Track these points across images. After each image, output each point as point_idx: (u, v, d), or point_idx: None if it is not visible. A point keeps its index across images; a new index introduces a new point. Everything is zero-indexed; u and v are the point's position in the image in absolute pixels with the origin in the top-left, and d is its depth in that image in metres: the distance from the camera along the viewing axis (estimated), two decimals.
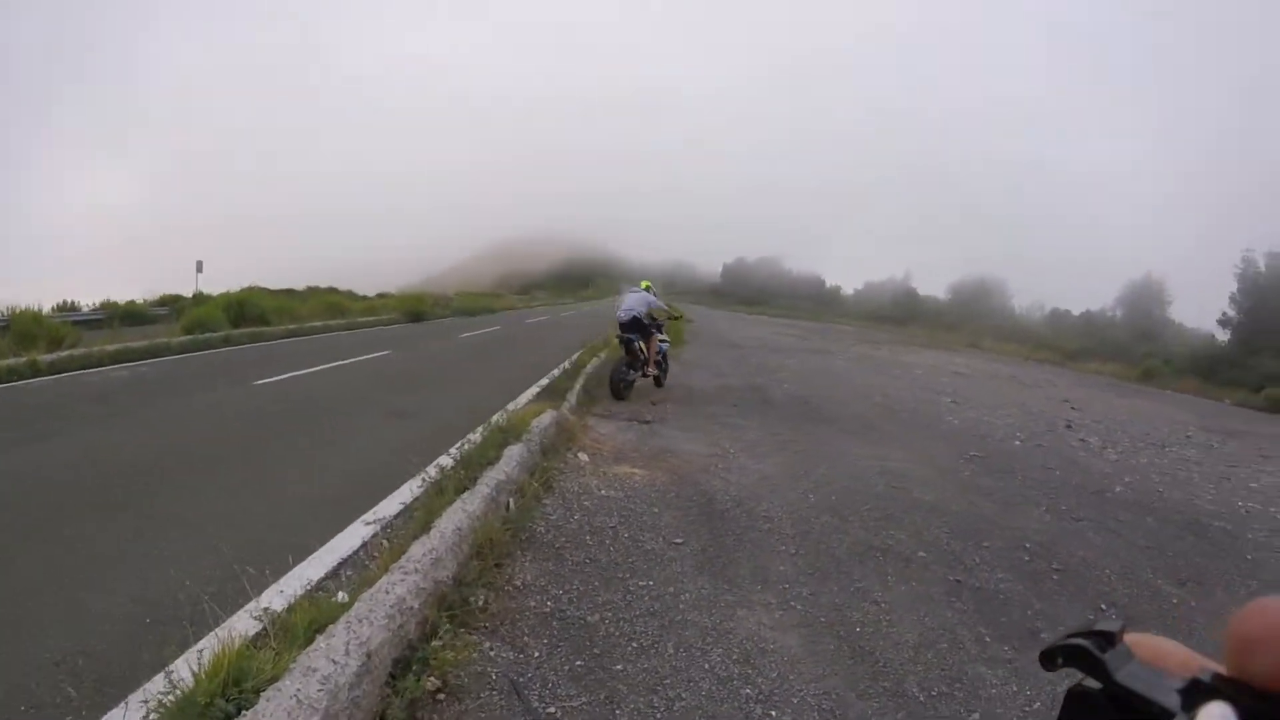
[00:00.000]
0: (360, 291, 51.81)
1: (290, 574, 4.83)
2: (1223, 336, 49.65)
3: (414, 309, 34.63)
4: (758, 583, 5.36)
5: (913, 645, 4.70)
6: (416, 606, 3.98)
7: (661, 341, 14.16)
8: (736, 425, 11.42)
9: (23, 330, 16.41)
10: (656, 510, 6.74)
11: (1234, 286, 48.32)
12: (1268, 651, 0.44)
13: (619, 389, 12.89)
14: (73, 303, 28.58)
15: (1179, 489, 10.74)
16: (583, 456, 8.27)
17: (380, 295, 48.96)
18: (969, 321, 77.81)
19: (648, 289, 14.30)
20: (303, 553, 5.24)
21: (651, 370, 13.82)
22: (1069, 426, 15.95)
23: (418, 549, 4.47)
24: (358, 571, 4.96)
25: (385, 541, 5.25)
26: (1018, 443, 12.96)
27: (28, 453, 7.71)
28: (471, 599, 4.47)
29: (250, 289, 31.24)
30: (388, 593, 3.89)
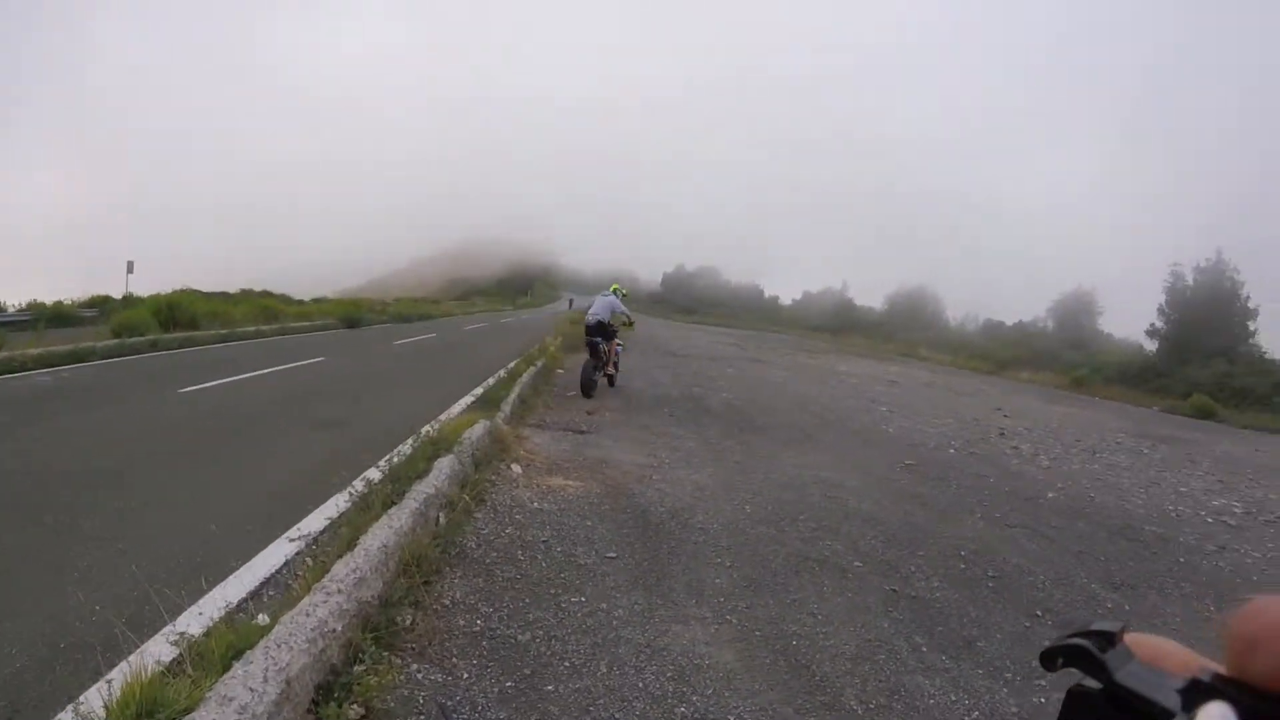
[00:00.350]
0: (297, 296, 51.19)
1: (209, 595, 4.63)
2: (1151, 346, 51.18)
3: (350, 315, 34.15)
4: (693, 596, 5.28)
5: (850, 657, 4.66)
6: (340, 629, 3.82)
7: (619, 344, 15.77)
8: (673, 435, 11.38)
9: None
10: (590, 523, 6.64)
11: (1162, 299, 49.97)
12: (1268, 651, 0.44)
13: (588, 388, 14.22)
14: None
15: (1110, 494, 10.93)
16: (516, 468, 8.13)
17: (316, 300, 48.39)
18: (905, 332, 79.01)
19: (616, 291, 15.77)
20: (223, 572, 5.04)
21: (609, 370, 15.54)
22: (1002, 434, 16.20)
23: (341, 568, 4.30)
24: (280, 591, 4.77)
25: (309, 559, 5.07)
26: (952, 450, 13.10)
27: None
28: (398, 619, 4.33)
29: (182, 291, 30.67)
30: (309, 615, 3.73)
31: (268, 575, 5.12)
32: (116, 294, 31.99)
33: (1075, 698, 0.51)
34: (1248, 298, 47.73)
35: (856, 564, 6.39)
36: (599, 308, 15.11)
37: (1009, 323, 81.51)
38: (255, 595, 4.80)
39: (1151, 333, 50.83)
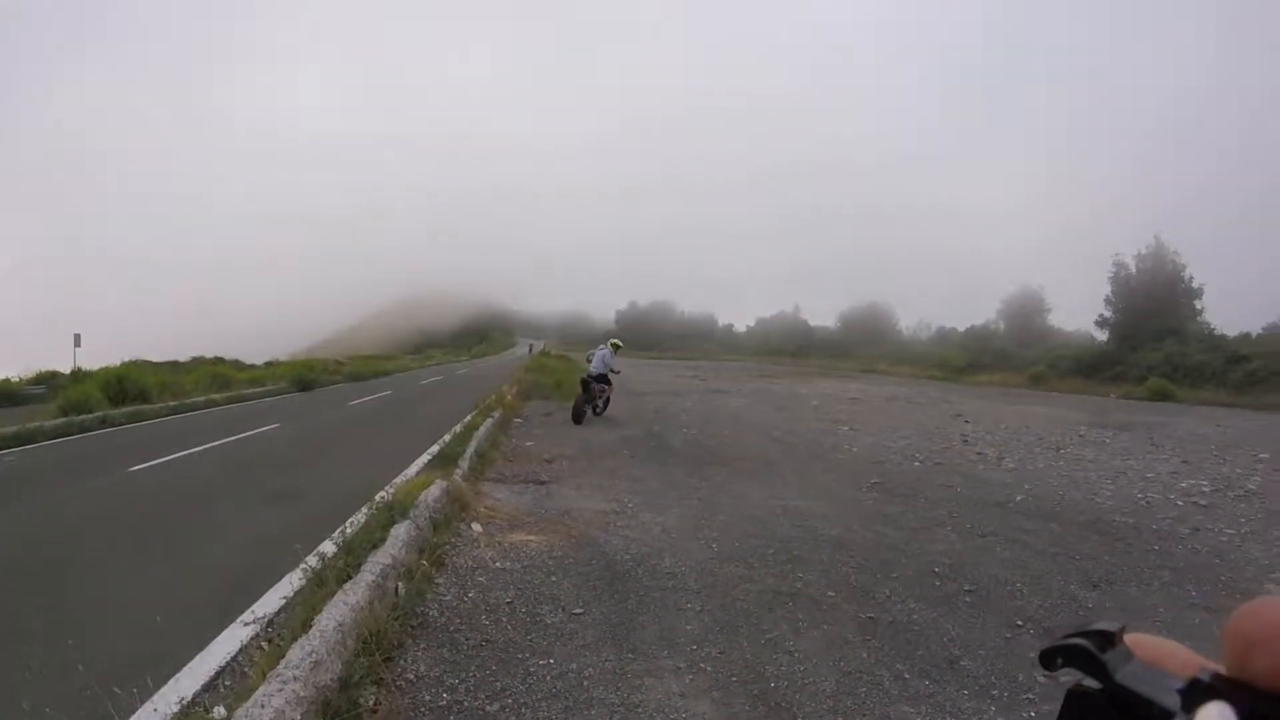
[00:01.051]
0: (249, 360, 50.83)
1: (162, 691, 4.43)
2: (1102, 336, 52.25)
3: (303, 377, 34.06)
4: (665, 647, 5.14)
5: (831, 694, 4.54)
6: (298, 718, 3.65)
7: (609, 390, 20.27)
8: (635, 477, 11.28)
9: None
10: (555, 579, 6.48)
11: (1108, 290, 51.16)
12: (1268, 651, 0.44)
13: (579, 417, 18.29)
14: None
15: (1078, 489, 10.99)
16: (476, 527, 7.95)
17: (268, 364, 48.09)
18: (861, 348, 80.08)
19: (614, 346, 20.69)
20: (176, 665, 4.83)
21: (598, 405, 19.71)
22: (965, 440, 16.29)
23: (296, 652, 4.12)
24: (237, 681, 4.58)
25: (264, 644, 4.89)
26: (917, 464, 13.11)
27: None
28: (360, 699, 4.14)
29: (131, 363, 30.20)
30: (264, 706, 3.55)
31: (223, 664, 4.91)
32: (64, 367, 31.50)
33: (1075, 698, 0.51)
34: (1191, 278, 49.07)
35: (830, 594, 6.29)
36: (597, 363, 19.77)
37: (961, 328, 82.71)
38: (211, 686, 4.60)
39: (1101, 323, 52.34)
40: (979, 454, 14.43)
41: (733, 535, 8.07)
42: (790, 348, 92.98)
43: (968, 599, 6.33)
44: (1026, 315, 70.54)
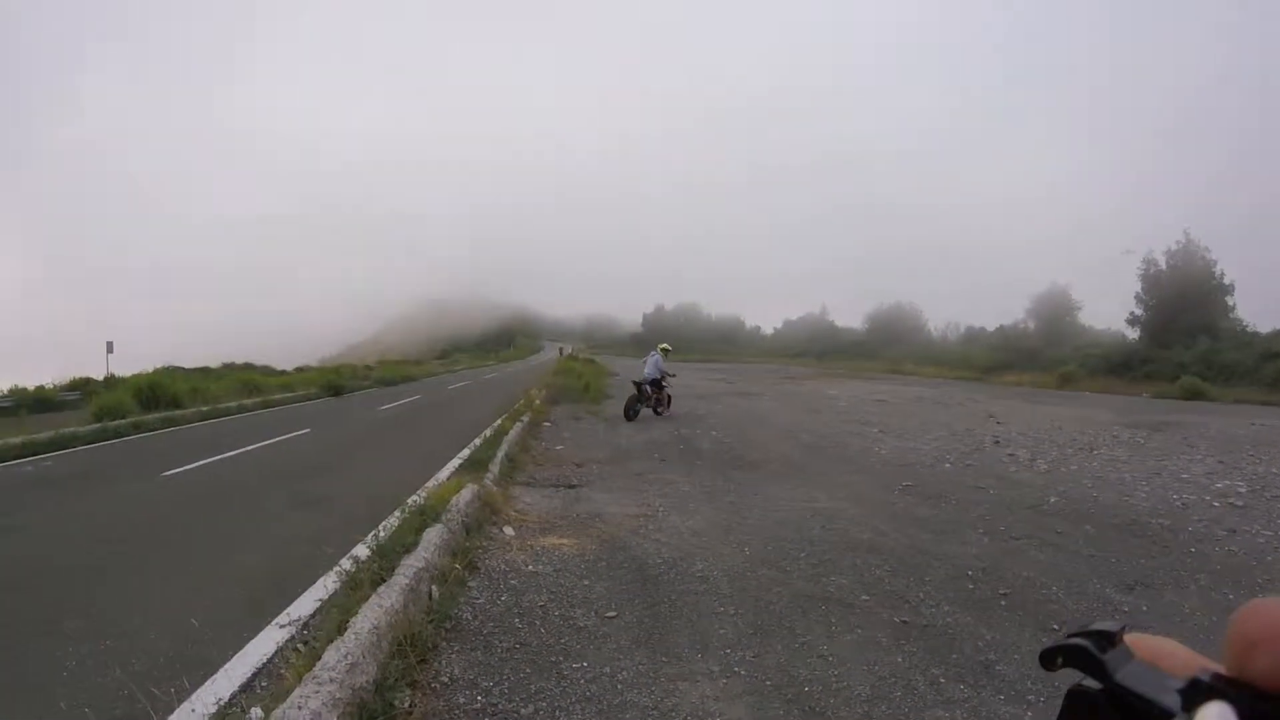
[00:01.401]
0: (279, 366, 51.21)
1: (199, 692, 4.48)
2: (1133, 334, 51.67)
3: (333, 382, 34.40)
4: (698, 650, 5.13)
5: (865, 698, 4.51)
6: None
7: (668, 391, 21.77)
8: (665, 481, 11.26)
9: None
10: (587, 582, 6.49)
11: (1138, 287, 50.59)
12: (1268, 651, 0.44)
13: (629, 415, 19.98)
14: None
15: (1112, 491, 10.85)
16: (508, 530, 7.99)
17: (298, 369, 48.43)
18: (887, 349, 79.39)
19: (663, 350, 22.07)
20: (213, 666, 4.88)
21: (662, 409, 21.18)
22: (996, 442, 16.13)
23: (332, 655, 4.16)
24: (273, 682, 4.61)
25: (299, 646, 4.93)
26: (948, 466, 13.01)
27: None
28: (396, 702, 4.17)
29: (163, 369, 30.75)
30: (300, 708, 3.58)
31: (259, 665, 4.95)
32: (98, 375, 31.98)
33: (1075, 698, 0.51)
34: (1222, 274, 48.47)
35: (864, 598, 6.26)
36: (650, 367, 21.28)
37: (990, 328, 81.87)
38: (248, 688, 4.64)
39: (1132, 320, 51.72)
40: (1010, 455, 14.29)
41: (763, 538, 8.04)
42: (817, 349, 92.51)
43: (1002, 603, 6.27)
44: (1056, 313, 69.61)
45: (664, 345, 22.84)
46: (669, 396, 22.04)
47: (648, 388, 20.86)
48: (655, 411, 21.02)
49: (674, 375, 22.79)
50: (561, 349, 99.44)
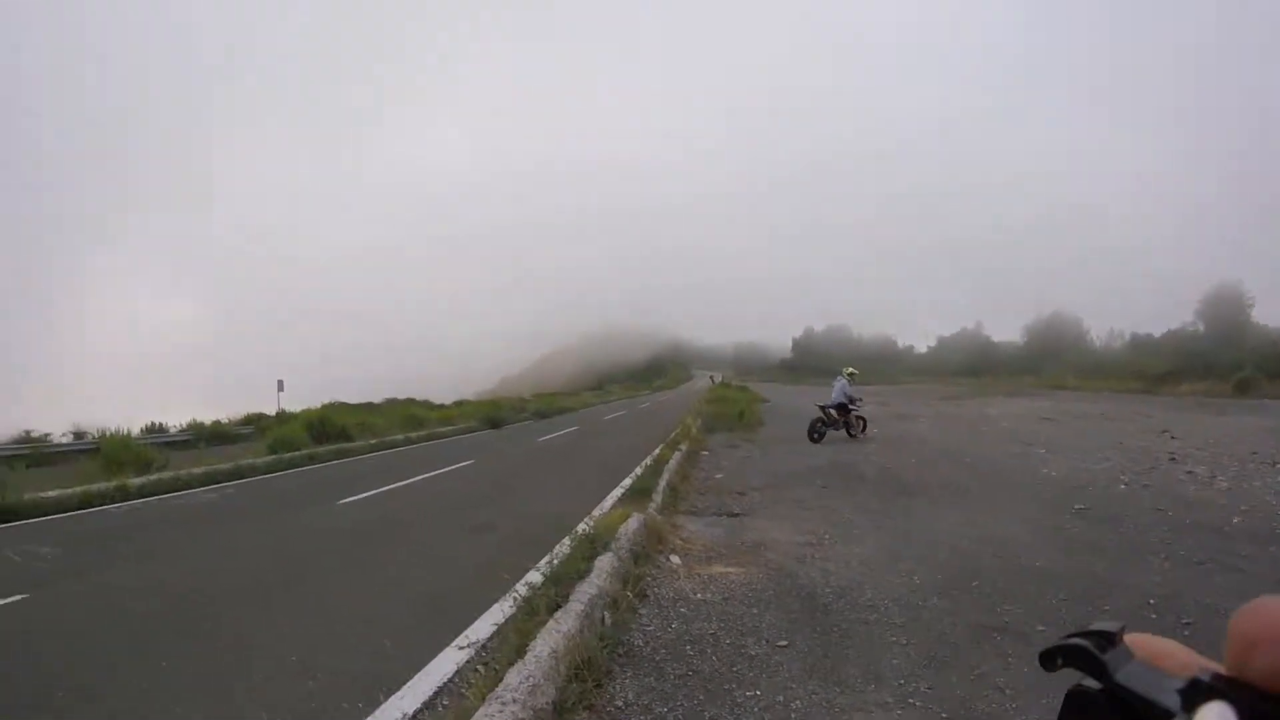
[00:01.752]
0: (438, 400, 52.80)
1: (384, 706, 4.71)
2: None
3: (491, 415, 35.18)
4: (871, 681, 5.07)
5: None
6: None
7: (858, 416, 22.29)
8: (828, 507, 11.14)
9: (112, 454, 17.00)
10: (756, 611, 6.49)
11: None
12: (1268, 651, 0.44)
13: (814, 437, 20.89)
14: (161, 424, 29.92)
15: None
16: (674, 559, 8.06)
17: (457, 403, 49.80)
18: (1049, 362, 76.09)
19: (850, 375, 22.41)
20: (397, 682, 5.11)
21: (856, 431, 21.81)
22: (1173, 459, 15.34)
23: (514, 676, 4.31)
24: (455, 700, 4.80)
25: (479, 667, 5.10)
26: (1123, 486, 12.43)
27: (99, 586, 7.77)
28: None
29: (329, 405, 32.26)
30: None
31: (441, 684, 5.14)
32: (269, 410, 33.90)
33: (1074, 698, 0.52)
34: None
35: (1040, 628, 6.06)
36: (836, 392, 21.82)
37: (1156, 333, 77.55)
38: (430, 705, 4.83)
39: None
40: (1189, 473, 13.53)
41: (932, 566, 7.87)
42: (973, 367, 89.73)
43: (1185, 631, 5.96)
44: (1227, 313, 64.76)
45: (850, 369, 23.02)
46: (863, 420, 22.60)
47: (832, 411, 21.56)
48: (849, 434, 21.58)
49: (861, 399, 22.94)
50: (712, 377, 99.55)
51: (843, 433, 21.74)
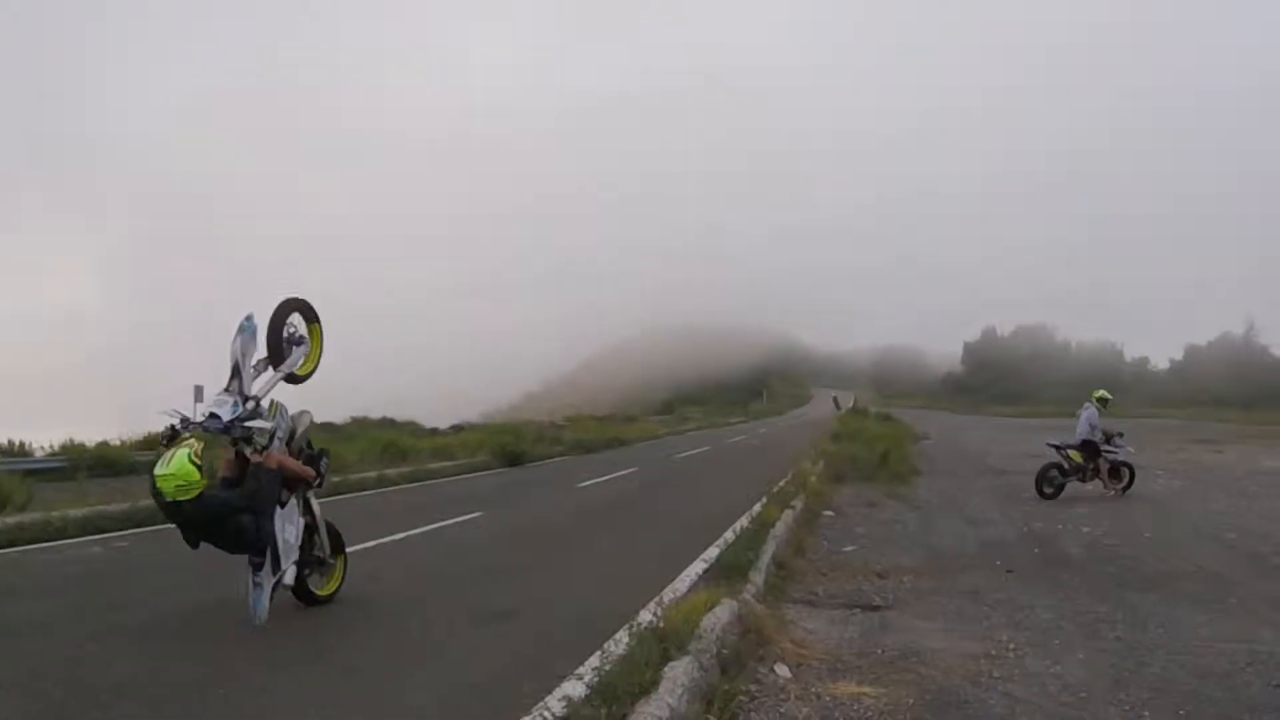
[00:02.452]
0: (428, 423, 52.85)
1: None
2: None
3: (509, 447, 35.00)
4: None
5: None
6: None
7: (1110, 455, 22.04)
8: (1014, 603, 11.02)
9: None
10: None
11: None
12: None
13: (1041, 489, 21.39)
14: (20, 445, 30.23)
15: None
16: (782, 670, 8.04)
17: (456, 428, 49.98)
18: None
19: (1101, 400, 23.12)
20: None
21: (1110, 484, 21.94)
22: None
23: None
24: None
25: None
26: None
27: None
28: None
29: None
30: None
31: None
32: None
33: None
34: None
35: None
36: (1082, 424, 22.11)
37: None
38: None
39: None
40: None
41: (1175, 697, 7.69)
42: (1242, 393, 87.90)
43: None
44: None
45: (1100, 393, 23.55)
46: (1127, 469, 22.58)
47: (1073, 452, 21.74)
48: (1104, 487, 21.79)
49: (1120, 434, 23.04)
50: (837, 399, 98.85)
51: (1093, 485, 21.81)
